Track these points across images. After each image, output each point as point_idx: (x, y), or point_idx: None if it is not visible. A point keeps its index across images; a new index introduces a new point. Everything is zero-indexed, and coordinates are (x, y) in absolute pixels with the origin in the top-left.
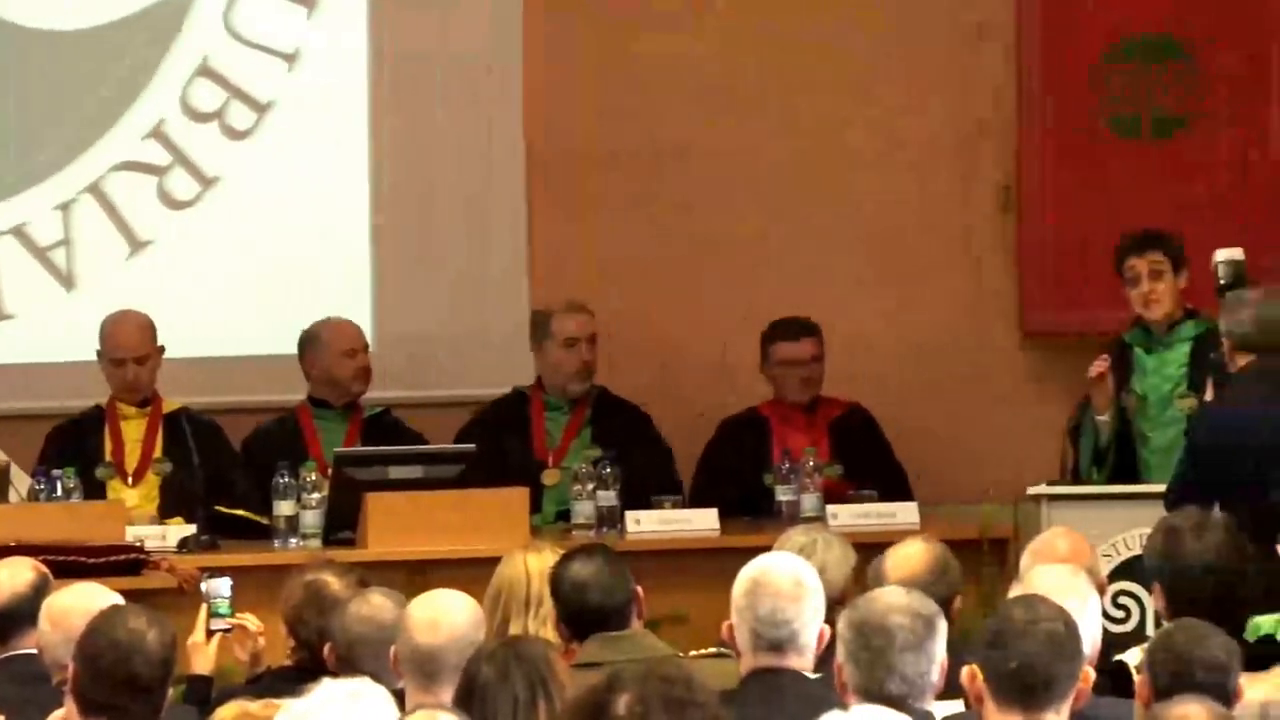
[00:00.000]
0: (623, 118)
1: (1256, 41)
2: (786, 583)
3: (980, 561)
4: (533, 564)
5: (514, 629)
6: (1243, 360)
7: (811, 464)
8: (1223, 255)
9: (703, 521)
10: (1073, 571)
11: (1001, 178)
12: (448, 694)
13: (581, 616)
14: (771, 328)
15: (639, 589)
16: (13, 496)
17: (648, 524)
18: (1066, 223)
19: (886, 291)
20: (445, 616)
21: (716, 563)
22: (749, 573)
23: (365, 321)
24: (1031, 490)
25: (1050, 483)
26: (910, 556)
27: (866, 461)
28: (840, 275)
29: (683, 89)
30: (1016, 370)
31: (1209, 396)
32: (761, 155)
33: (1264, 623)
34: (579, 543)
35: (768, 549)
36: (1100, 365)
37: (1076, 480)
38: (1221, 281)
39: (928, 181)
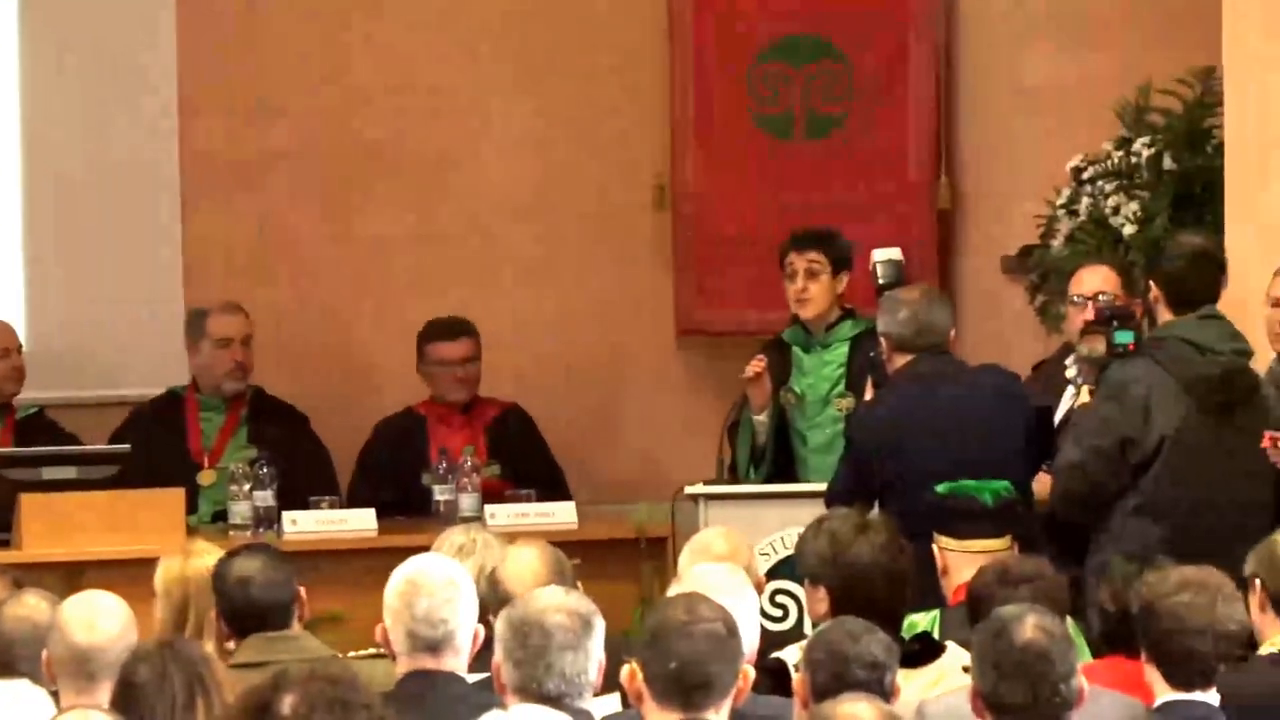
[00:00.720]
0: (284, 112)
1: (898, 41)
2: (441, 583)
3: (638, 560)
4: (192, 564)
5: (173, 629)
6: (900, 360)
7: (469, 464)
8: (881, 255)
9: (360, 522)
10: (731, 570)
11: (657, 176)
12: (105, 695)
13: (244, 613)
14: (427, 327)
15: (301, 589)
16: None
17: (305, 524)
18: (721, 222)
19: (544, 290)
20: (101, 617)
21: (374, 563)
22: (403, 573)
23: (18, 321)
24: (689, 489)
25: (708, 481)
26: (524, 563)
27: (524, 461)
28: (498, 272)
29: (345, 79)
30: (673, 369)
31: (868, 396)
32: (418, 148)
33: (919, 620)
34: (237, 543)
35: (427, 549)
36: (756, 365)
37: (734, 479)
38: (880, 281)
39: (586, 179)
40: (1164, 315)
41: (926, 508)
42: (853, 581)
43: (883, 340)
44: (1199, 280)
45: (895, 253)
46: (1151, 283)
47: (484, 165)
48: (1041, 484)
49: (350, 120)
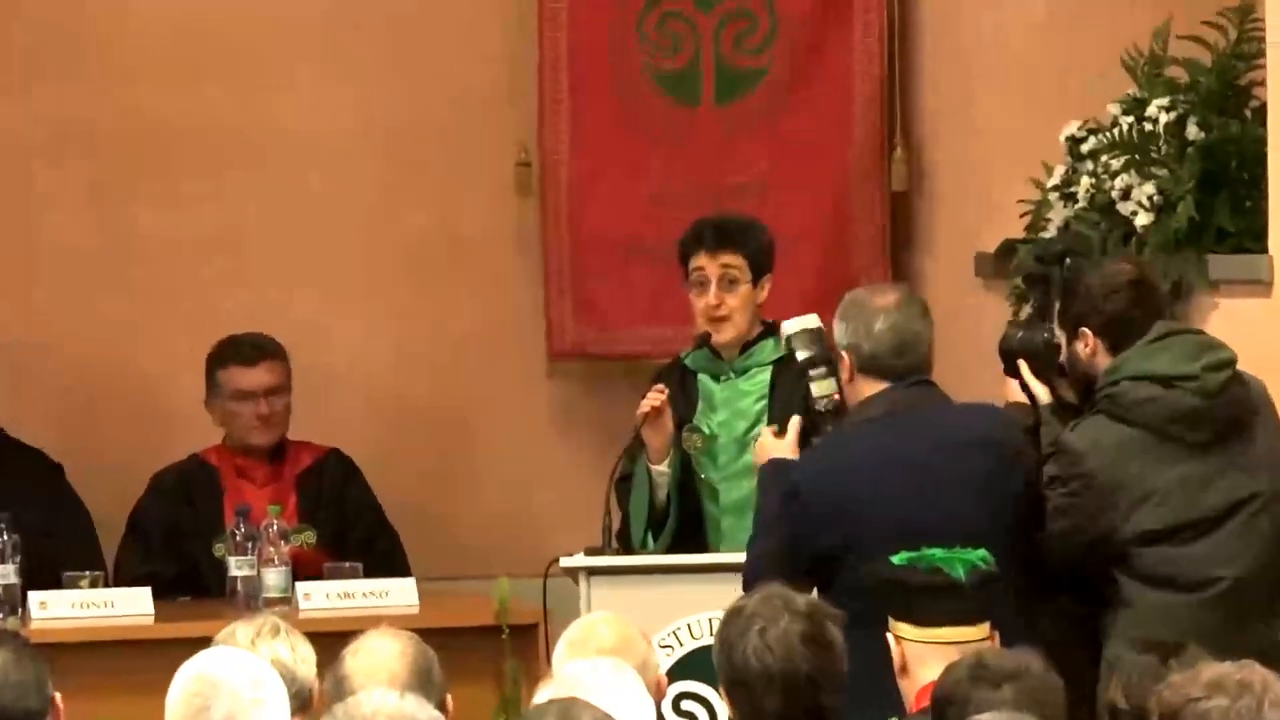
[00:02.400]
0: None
1: None
2: (243, 685)
3: (500, 654)
4: None
5: None
6: (868, 388)
7: (275, 528)
8: (793, 326)
9: (131, 605)
10: (617, 667)
11: (521, 153)
12: None
13: None
14: (219, 349)
15: (57, 695)
16: None
17: (58, 608)
18: (604, 212)
19: (375, 303)
20: None
21: (150, 659)
22: (193, 672)
23: None
24: (565, 561)
25: (590, 550)
26: (379, 657)
27: (349, 525)
28: (314, 283)
29: (121, 42)
30: (543, 405)
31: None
32: (217, 134)
33: None
34: None
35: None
36: (654, 398)
37: (626, 548)
38: (800, 357)
39: (429, 162)
40: (1104, 362)
41: (879, 585)
42: (742, 684)
43: (844, 357)
44: (1145, 312)
45: (811, 320)
46: (1086, 332)
47: (297, 149)
48: None
49: (128, 93)
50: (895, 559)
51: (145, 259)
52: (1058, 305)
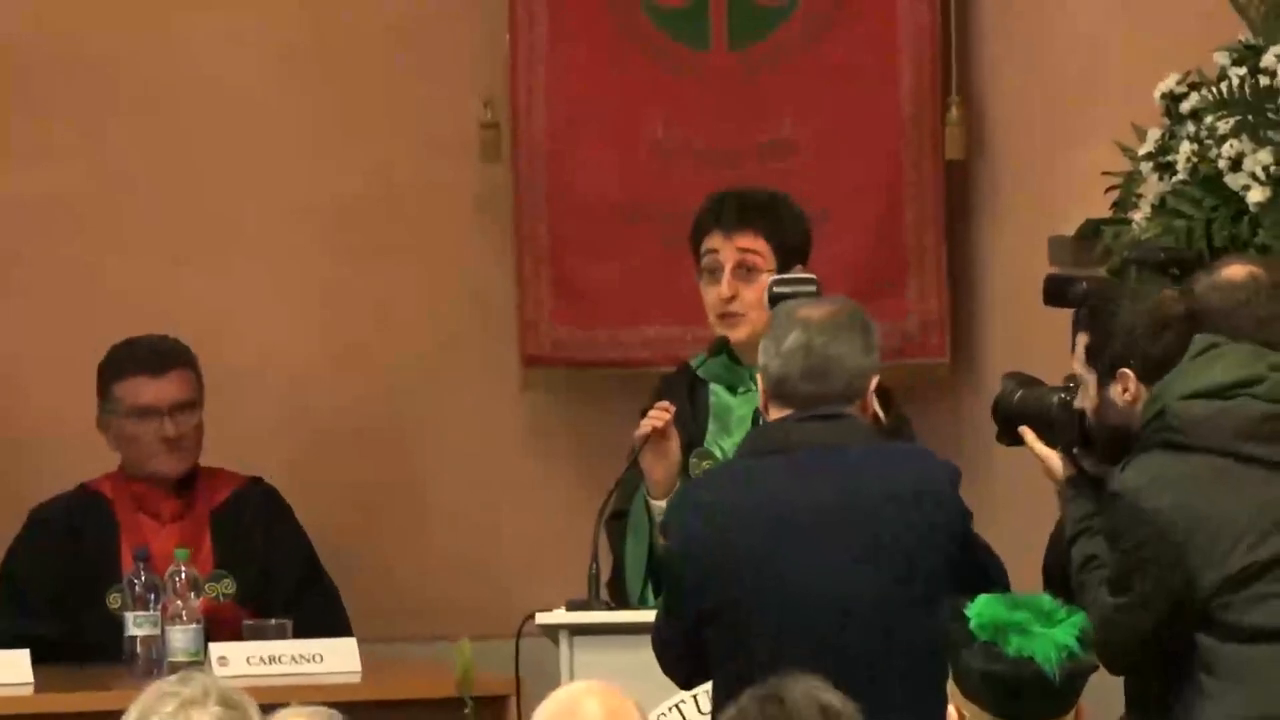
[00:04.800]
0: None
1: None
2: None
3: None
4: None
5: None
6: (775, 414)
7: (184, 576)
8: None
9: (6, 672)
10: None
11: (488, 109)
12: None
13: None
14: (116, 355)
15: None
16: None
17: None
18: (591, 181)
19: (302, 293)
20: None
21: None
22: None
23: None
24: (542, 618)
25: (573, 604)
26: None
27: (275, 572)
28: (223, 268)
29: None
30: (515, 422)
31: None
32: (90, 68)
33: None
34: None
35: (110, 715)
36: (658, 416)
37: (618, 602)
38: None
39: (376, 118)
40: (1139, 395)
41: (966, 671)
42: None
43: (758, 379)
44: (1181, 350)
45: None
46: (1126, 373)
47: (191, 84)
48: None
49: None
50: (974, 628)
51: (18, 240)
52: (1084, 344)
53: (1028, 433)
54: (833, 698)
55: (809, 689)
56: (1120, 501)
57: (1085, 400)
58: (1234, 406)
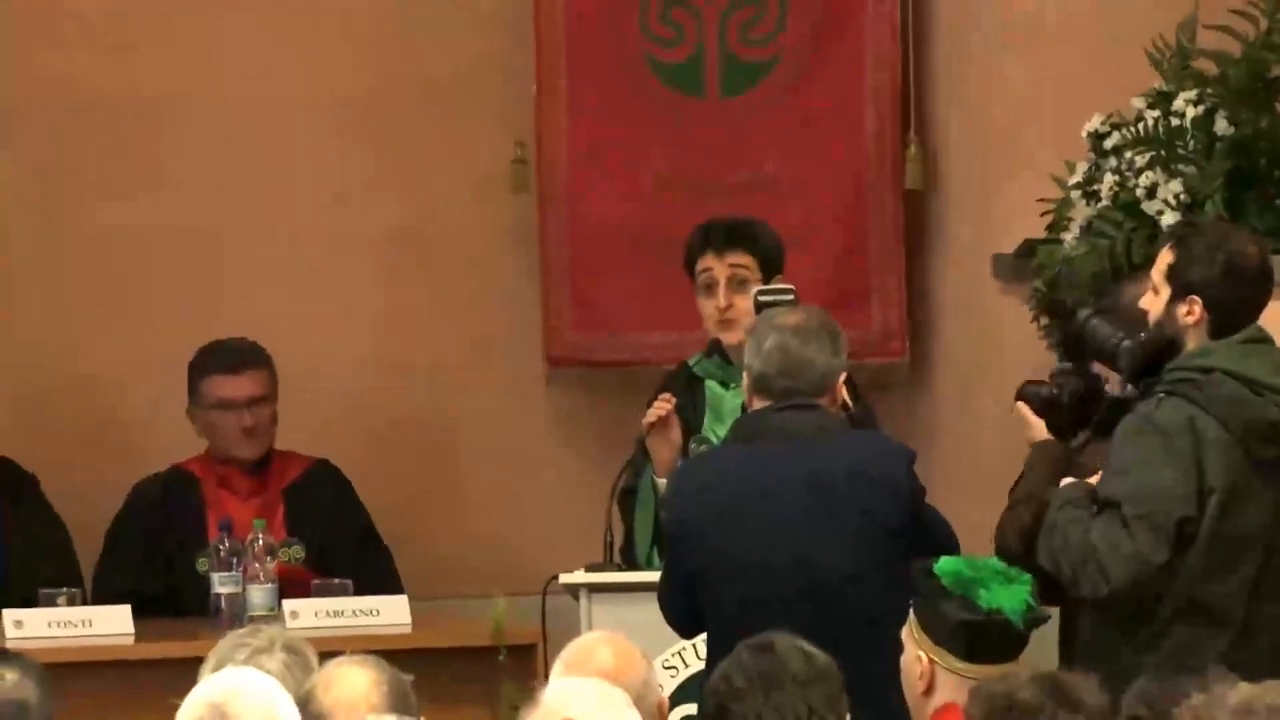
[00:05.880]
0: None
1: None
2: (258, 714)
3: (496, 676)
4: None
5: None
6: (758, 404)
7: (261, 543)
8: (767, 295)
9: (110, 623)
10: (603, 690)
11: (517, 147)
12: None
13: None
14: (202, 356)
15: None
16: None
17: (34, 626)
18: (605, 209)
19: (360, 304)
20: None
21: (130, 679)
22: (205, 697)
23: None
24: (565, 578)
25: (591, 567)
26: (356, 689)
27: (338, 539)
28: (297, 284)
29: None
30: (540, 414)
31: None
32: (168, 105)
33: None
34: None
35: (199, 661)
36: (662, 407)
37: (629, 565)
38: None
39: (418, 154)
40: (1195, 340)
41: (936, 618)
42: None
43: (744, 377)
44: (1258, 307)
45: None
46: (1196, 300)
47: (266, 129)
48: None
49: (66, 70)
50: (947, 584)
51: (99, 256)
52: (1168, 261)
53: (1022, 407)
54: (812, 648)
55: (793, 640)
56: (1141, 425)
57: (1151, 306)
58: (1255, 403)
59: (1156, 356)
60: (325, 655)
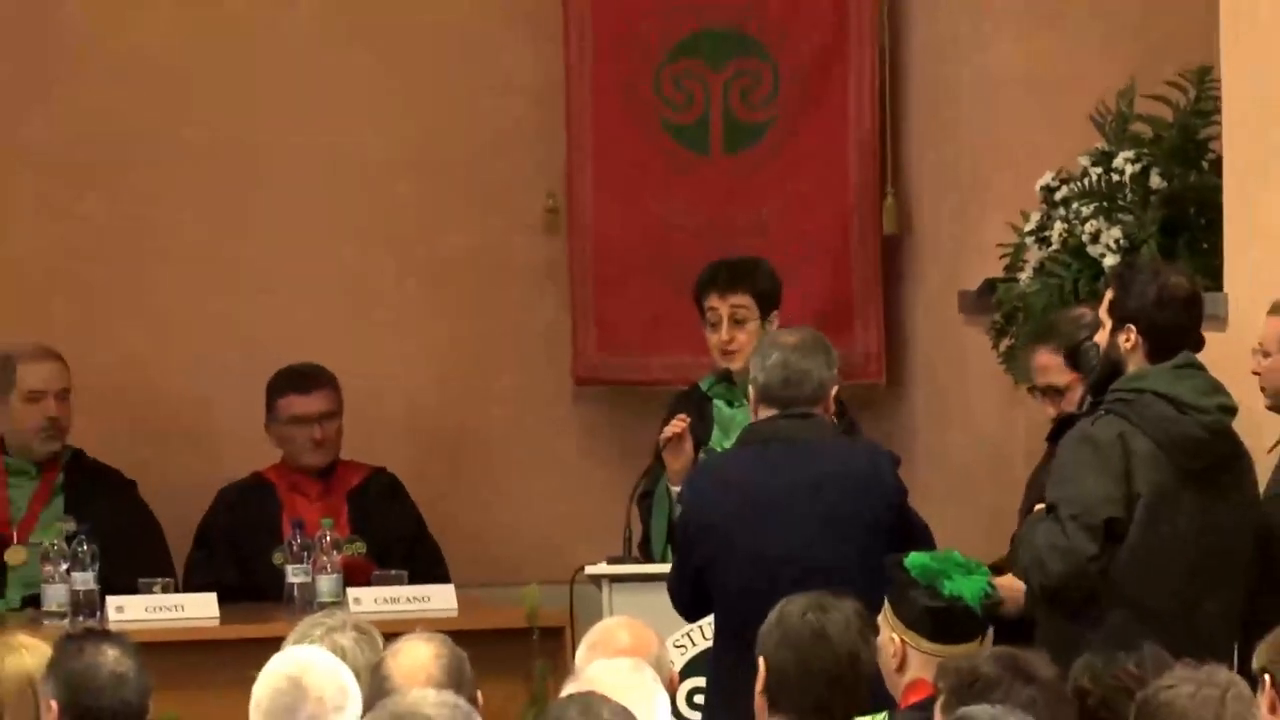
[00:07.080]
0: (45, 97)
1: (833, 32)
2: (330, 687)
3: (530, 654)
4: (9, 664)
5: None
6: (764, 414)
7: (328, 539)
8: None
9: (199, 608)
10: (635, 666)
11: (550, 196)
12: None
13: (95, 717)
14: (277, 378)
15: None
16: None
17: (133, 611)
18: (626, 249)
19: (415, 331)
20: None
21: (215, 657)
22: (281, 669)
23: None
24: (590, 569)
25: (612, 559)
26: (417, 659)
27: (394, 536)
28: (357, 312)
29: (134, 70)
30: (569, 426)
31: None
32: (255, 154)
33: None
34: (53, 635)
35: (276, 641)
36: (677, 425)
37: (646, 558)
38: None
39: (464, 199)
40: (1135, 363)
41: (905, 602)
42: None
43: (750, 389)
44: (1189, 332)
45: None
46: (1131, 328)
47: (338, 179)
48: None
49: (155, 112)
50: (915, 575)
51: (195, 293)
52: (1109, 298)
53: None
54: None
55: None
56: (1078, 440)
57: (1100, 338)
58: (1180, 421)
59: (1106, 380)
60: (386, 637)
